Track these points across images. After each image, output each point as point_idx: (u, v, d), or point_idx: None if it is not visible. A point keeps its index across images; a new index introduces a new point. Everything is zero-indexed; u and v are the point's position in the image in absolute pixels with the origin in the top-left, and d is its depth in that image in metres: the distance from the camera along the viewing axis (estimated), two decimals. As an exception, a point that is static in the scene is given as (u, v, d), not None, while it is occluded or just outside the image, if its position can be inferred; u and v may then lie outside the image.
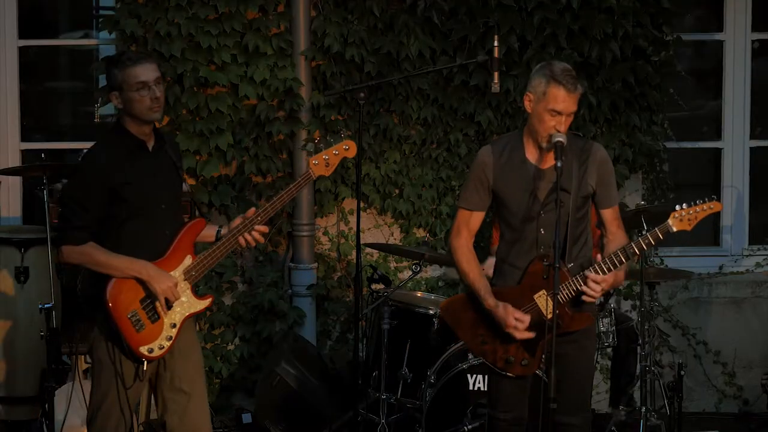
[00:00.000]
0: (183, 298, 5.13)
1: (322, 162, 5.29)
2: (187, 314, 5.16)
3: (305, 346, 7.38)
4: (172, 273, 5.10)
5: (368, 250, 7.53)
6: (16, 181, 7.70)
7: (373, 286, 6.87)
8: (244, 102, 7.49)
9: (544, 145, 5.11)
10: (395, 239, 7.75)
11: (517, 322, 5.12)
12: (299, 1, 7.47)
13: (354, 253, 7.28)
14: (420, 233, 7.71)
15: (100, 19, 7.90)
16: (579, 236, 5.20)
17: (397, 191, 7.68)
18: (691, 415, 7.59)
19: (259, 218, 5.20)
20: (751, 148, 8.08)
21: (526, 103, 5.15)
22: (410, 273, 6.78)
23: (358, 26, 7.46)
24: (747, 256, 8.03)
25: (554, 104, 5.05)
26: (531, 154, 5.19)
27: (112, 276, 5.02)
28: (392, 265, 7.72)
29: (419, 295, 7.18)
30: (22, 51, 7.77)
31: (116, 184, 5.01)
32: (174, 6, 7.33)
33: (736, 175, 8.05)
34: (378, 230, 7.75)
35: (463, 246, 5.28)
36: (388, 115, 7.57)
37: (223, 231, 5.30)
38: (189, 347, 5.26)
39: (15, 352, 6.80)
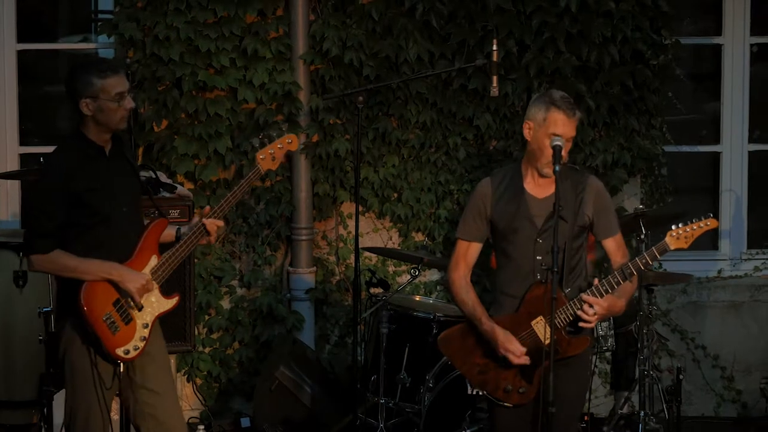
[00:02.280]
0: (152, 298, 5.17)
1: (268, 156, 5.37)
2: (157, 314, 5.20)
3: (304, 350, 7.38)
4: None
5: (367, 254, 7.53)
6: (14, 185, 7.70)
7: (372, 290, 6.87)
8: (243, 106, 7.49)
9: (544, 171, 5.14)
10: (394, 243, 7.75)
11: (514, 349, 5.13)
12: (298, 5, 7.47)
13: (352, 257, 7.28)
14: (418, 237, 7.71)
15: (99, 23, 7.91)
16: (575, 266, 5.22)
17: (395, 195, 7.68)
18: (689, 420, 7.59)
19: (215, 215, 5.24)
20: (749, 151, 8.08)
21: (526, 132, 5.20)
22: (409, 277, 6.77)
23: (357, 30, 7.46)
24: (746, 260, 8.03)
25: (554, 128, 5.11)
26: (529, 184, 5.23)
27: (83, 280, 5.04)
28: (391, 269, 7.72)
29: (418, 299, 7.19)
30: (21, 55, 7.77)
31: (78, 191, 5.03)
32: (173, 10, 7.33)
33: (734, 179, 8.05)
34: (376, 234, 7.75)
35: (461, 278, 5.33)
36: (387, 118, 7.57)
37: (184, 230, 5.32)
38: (156, 348, 5.28)
39: (13, 356, 6.80)
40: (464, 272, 5.33)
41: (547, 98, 5.18)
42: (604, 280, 5.11)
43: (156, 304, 5.19)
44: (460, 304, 5.32)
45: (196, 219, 5.30)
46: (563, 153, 5.12)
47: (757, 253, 8.05)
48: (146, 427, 5.25)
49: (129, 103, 5.10)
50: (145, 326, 5.15)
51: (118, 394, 5.32)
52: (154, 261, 5.19)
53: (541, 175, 5.19)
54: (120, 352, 5.08)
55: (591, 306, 5.07)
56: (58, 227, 5.04)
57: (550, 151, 5.12)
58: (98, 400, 5.10)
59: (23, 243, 5.16)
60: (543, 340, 5.10)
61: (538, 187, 5.21)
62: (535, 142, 5.17)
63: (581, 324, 5.12)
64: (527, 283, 5.18)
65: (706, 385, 7.89)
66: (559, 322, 5.10)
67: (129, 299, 5.10)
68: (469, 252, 5.33)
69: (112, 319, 5.06)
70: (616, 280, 5.10)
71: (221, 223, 5.28)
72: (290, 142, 5.45)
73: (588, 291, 5.10)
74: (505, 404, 5.23)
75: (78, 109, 5.09)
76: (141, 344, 5.13)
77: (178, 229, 5.33)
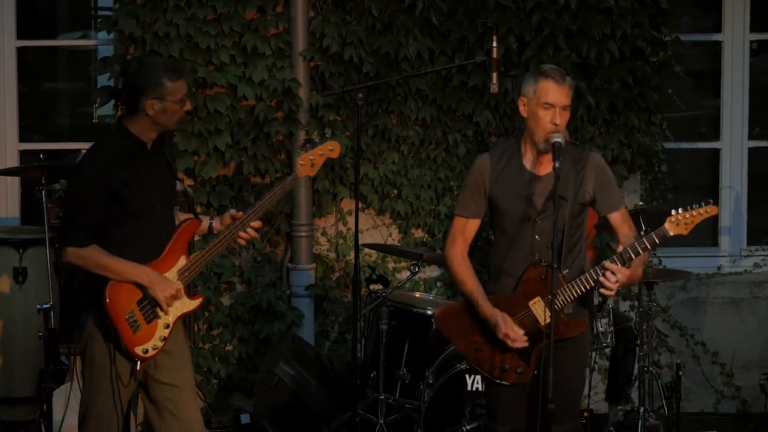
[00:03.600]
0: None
1: (308, 162, 5.37)
2: (180, 314, 5.19)
3: (303, 346, 7.38)
4: (166, 274, 5.12)
5: (366, 250, 7.53)
6: (14, 182, 7.70)
7: (372, 287, 6.87)
8: (243, 102, 7.49)
9: (542, 146, 5.12)
10: (393, 240, 7.75)
11: (514, 335, 5.12)
12: (298, 2, 7.47)
13: (352, 253, 7.28)
14: (418, 234, 7.71)
15: (99, 20, 7.91)
16: (575, 245, 5.21)
17: (395, 192, 7.68)
18: (689, 416, 7.59)
19: (248, 219, 5.23)
20: (749, 148, 8.08)
21: (521, 108, 5.21)
22: (408, 273, 6.78)
23: (357, 27, 7.46)
24: (745, 256, 8.04)
25: (545, 97, 5.11)
26: (528, 161, 5.21)
27: (112, 279, 5.04)
28: (390, 265, 7.73)
29: (417, 295, 7.19)
30: (21, 51, 7.77)
31: (115, 185, 5.01)
32: (172, 6, 7.33)
33: (734, 175, 8.06)
34: (376, 231, 7.75)
35: (459, 254, 5.29)
36: (387, 115, 7.57)
37: (215, 224, 5.32)
38: (178, 345, 5.27)
39: (13, 353, 6.80)
40: (462, 248, 5.29)
41: (536, 71, 5.21)
42: (615, 257, 5.07)
43: (180, 304, 5.16)
44: (458, 282, 5.30)
45: (228, 219, 5.27)
46: (560, 122, 5.09)
47: (757, 250, 8.05)
48: (164, 422, 5.23)
49: (188, 105, 5.12)
50: (167, 326, 5.13)
51: (143, 390, 5.32)
52: (182, 262, 5.17)
53: (540, 151, 5.17)
54: (139, 350, 5.07)
55: (614, 273, 5.04)
56: (95, 221, 5.02)
57: (545, 122, 5.10)
58: (113, 397, 5.10)
59: (58, 234, 5.14)
60: (541, 321, 5.09)
61: (538, 164, 5.18)
62: (531, 115, 5.16)
63: (603, 291, 5.08)
64: (525, 263, 5.16)
65: (705, 382, 7.90)
66: (557, 303, 5.08)
67: (153, 300, 5.09)
68: (467, 228, 5.29)
69: (134, 318, 5.06)
70: (628, 255, 5.05)
71: (259, 224, 5.28)
72: (332, 149, 5.39)
73: (609, 260, 5.05)
74: (503, 383, 5.22)
75: (132, 104, 5.04)
76: (160, 344, 5.11)
77: (211, 223, 5.31)
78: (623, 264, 5.05)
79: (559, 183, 5.02)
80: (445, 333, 5.38)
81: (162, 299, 5.06)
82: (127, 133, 5.09)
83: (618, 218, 5.24)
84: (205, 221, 5.36)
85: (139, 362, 5.11)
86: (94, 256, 5.02)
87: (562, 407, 5.10)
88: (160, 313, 5.11)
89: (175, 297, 5.10)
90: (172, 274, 5.14)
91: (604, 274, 5.04)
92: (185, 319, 6.24)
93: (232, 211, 5.30)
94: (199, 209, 7.41)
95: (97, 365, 5.12)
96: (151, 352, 5.10)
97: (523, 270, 5.16)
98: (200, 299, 5.28)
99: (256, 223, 5.28)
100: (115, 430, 5.16)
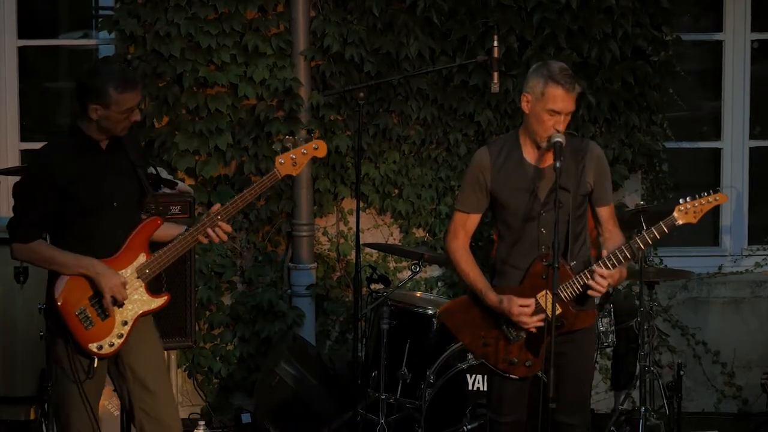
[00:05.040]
0: (136, 296, 5.11)
1: (288, 161, 5.25)
2: (141, 312, 5.14)
3: (304, 346, 7.38)
4: (122, 271, 5.09)
5: (367, 250, 7.53)
6: (15, 181, 7.69)
7: (373, 286, 6.88)
8: (244, 102, 7.50)
9: (543, 145, 5.11)
10: (394, 239, 7.75)
11: (523, 308, 5.11)
12: (299, 1, 7.47)
13: (353, 253, 7.28)
14: (419, 233, 7.71)
15: (100, 19, 7.91)
16: (579, 234, 5.20)
17: (396, 191, 7.68)
18: (690, 415, 7.59)
19: (219, 216, 5.16)
20: (750, 148, 8.08)
21: (524, 104, 5.16)
22: (409, 273, 6.78)
23: (358, 26, 7.46)
24: (746, 256, 8.03)
25: (553, 104, 5.05)
26: (529, 154, 5.19)
27: (60, 273, 5.04)
28: (391, 265, 7.73)
29: (418, 295, 7.19)
30: (22, 51, 7.77)
31: (63, 183, 5.02)
32: (173, 6, 7.34)
33: (735, 175, 8.05)
34: (377, 230, 7.75)
35: (460, 248, 5.27)
36: (388, 115, 7.57)
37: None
38: (149, 346, 5.24)
39: (14, 353, 6.81)
40: (464, 241, 5.27)
41: (545, 71, 5.09)
42: (611, 254, 5.05)
43: (140, 301, 5.13)
44: (461, 275, 5.27)
45: (203, 219, 5.20)
46: (563, 127, 5.08)
47: (758, 249, 8.05)
48: (141, 424, 5.23)
49: (136, 116, 5.07)
50: (125, 323, 5.10)
51: (115, 390, 5.32)
52: (142, 259, 5.12)
53: (539, 148, 5.15)
54: (93, 347, 5.05)
55: (604, 278, 5.03)
56: (42, 217, 5.04)
57: (548, 126, 5.06)
58: (80, 394, 5.07)
59: (8, 231, 5.14)
60: (549, 314, 5.08)
61: (539, 157, 5.16)
62: (534, 115, 5.11)
63: (590, 293, 5.07)
64: (531, 256, 5.15)
65: (706, 381, 7.90)
66: (565, 296, 5.08)
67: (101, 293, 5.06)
68: (468, 222, 5.27)
69: (86, 314, 5.04)
70: (624, 254, 5.04)
71: (228, 228, 5.19)
72: (317, 148, 5.27)
73: (598, 263, 5.05)
74: (511, 376, 5.22)
75: (83, 107, 5.05)
76: (117, 341, 5.08)
77: (186, 228, 5.23)
78: (632, 256, 5.05)
79: (561, 175, 5.00)
80: (452, 328, 5.36)
81: (106, 289, 5.01)
82: (79, 132, 5.10)
83: (607, 213, 5.24)
84: (179, 228, 5.25)
85: (96, 359, 5.07)
86: (40, 251, 5.04)
87: (571, 399, 5.11)
88: (117, 309, 5.06)
89: (120, 289, 5.04)
90: (129, 271, 5.10)
91: (592, 278, 5.05)
92: (186, 318, 6.27)
93: (214, 207, 5.21)
94: (199, 209, 7.41)
95: (59, 362, 5.10)
96: (106, 350, 5.07)
97: (529, 263, 5.15)
98: (165, 297, 5.20)
99: (226, 227, 5.17)
100: (88, 425, 5.12)
